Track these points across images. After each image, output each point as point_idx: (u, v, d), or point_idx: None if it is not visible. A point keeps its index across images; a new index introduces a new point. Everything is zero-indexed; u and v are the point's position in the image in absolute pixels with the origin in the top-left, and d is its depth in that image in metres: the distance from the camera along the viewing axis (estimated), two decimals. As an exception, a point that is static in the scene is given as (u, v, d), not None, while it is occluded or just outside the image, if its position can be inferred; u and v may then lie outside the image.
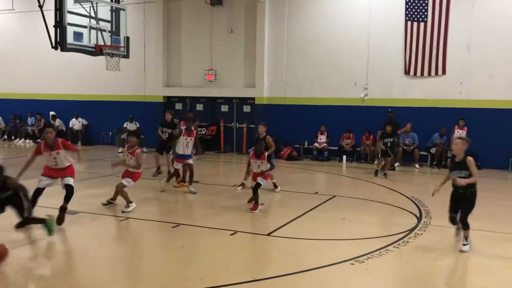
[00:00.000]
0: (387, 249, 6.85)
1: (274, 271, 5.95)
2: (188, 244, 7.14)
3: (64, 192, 7.78)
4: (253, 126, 18.13)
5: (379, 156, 13.65)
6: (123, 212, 8.71)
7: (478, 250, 6.85)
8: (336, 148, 16.88)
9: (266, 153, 9.36)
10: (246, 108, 18.80)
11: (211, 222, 8.27)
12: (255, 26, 18.06)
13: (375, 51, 16.60)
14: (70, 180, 7.82)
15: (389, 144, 13.34)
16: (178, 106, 19.81)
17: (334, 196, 10.65)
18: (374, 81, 16.72)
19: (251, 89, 18.34)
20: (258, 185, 9.10)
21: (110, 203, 9.22)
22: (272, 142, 11.05)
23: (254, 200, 9.14)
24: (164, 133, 12.60)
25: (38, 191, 7.66)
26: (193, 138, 10.76)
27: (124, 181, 8.87)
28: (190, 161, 10.72)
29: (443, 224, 7.51)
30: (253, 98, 18.39)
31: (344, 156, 16.56)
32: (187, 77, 19.57)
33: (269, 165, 9.27)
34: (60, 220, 7.57)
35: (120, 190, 8.86)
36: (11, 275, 5.66)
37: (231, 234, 7.53)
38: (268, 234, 7.61)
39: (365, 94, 16.83)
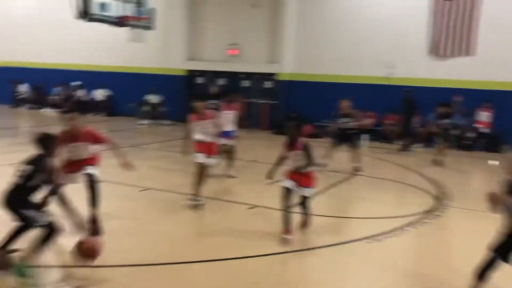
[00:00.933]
0: (405, 229, 6.85)
1: (290, 247, 5.99)
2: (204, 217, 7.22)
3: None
4: (276, 102, 18.08)
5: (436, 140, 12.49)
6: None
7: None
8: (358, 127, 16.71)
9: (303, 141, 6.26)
10: (268, 84, 18.70)
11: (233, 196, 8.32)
12: (280, 0, 17.84)
13: (401, 28, 16.25)
14: (91, 170, 6.16)
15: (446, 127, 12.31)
16: (200, 80, 19.82)
17: (354, 175, 10.62)
18: (399, 59, 16.42)
19: (274, 64, 18.21)
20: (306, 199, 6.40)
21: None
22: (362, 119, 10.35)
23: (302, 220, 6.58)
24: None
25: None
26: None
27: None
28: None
29: (464, 206, 7.45)
30: (276, 74, 18.28)
31: (365, 135, 16.41)
32: (210, 51, 19.50)
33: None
34: (95, 232, 5.93)
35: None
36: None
37: (249, 208, 7.60)
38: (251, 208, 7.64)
39: (389, 73, 16.56)
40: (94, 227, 5.91)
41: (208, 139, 7.44)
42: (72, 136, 6.02)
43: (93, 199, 6.05)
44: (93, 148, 6.23)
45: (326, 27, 17.44)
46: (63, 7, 14.62)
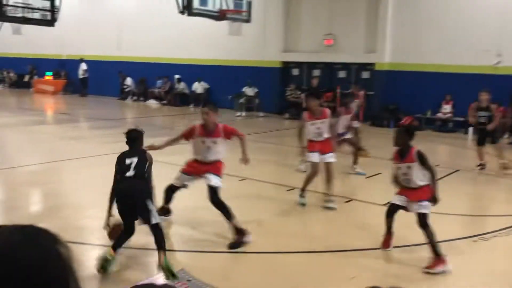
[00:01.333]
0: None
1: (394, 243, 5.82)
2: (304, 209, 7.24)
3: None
4: (372, 93, 17.60)
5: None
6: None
7: None
8: (462, 119, 15.83)
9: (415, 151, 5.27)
10: (365, 74, 18.24)
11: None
12: (379, -12, 17.31)
13: (509, 15, 15.06)
14: (214, 180, 5.67)
15: None
16: (295, 71, 19.82)
17: (458, 170, 10.07)
18: (508, 47, 15.25)
19: (371, 54, 17.72)
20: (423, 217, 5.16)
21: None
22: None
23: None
24: None
25: (173, 189, 6.12)
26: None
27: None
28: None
29: None
30: (373, 64, 17.78)
31: (471, 128, 15.48)
32: (305, 42, 19.40)
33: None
34: (237, 245, 5.53)
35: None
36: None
37: (346, 202, 7.50)
38: (384, 205, 7.44)
39: (498, 62, 15.45)
40: (238, 239, 5.56)
41: (321, 138, 7.11)
42: (207, 131, 5.77)
43: (226, 214, 5.61)
44: (224, 148, 5.86)
45: (425, 15, 16.63)
46: (165, 2, 15.21)
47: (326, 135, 7.13)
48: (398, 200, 5.33)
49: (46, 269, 1.02)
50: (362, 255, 5.52)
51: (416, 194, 5.18)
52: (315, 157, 7.06)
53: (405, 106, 16.47)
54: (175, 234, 5.98)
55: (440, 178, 9.22)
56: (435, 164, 10.12)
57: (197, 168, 5.84)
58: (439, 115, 16.21)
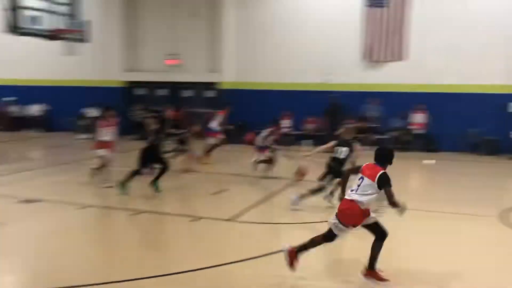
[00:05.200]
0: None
1: (235, 256, 5.98)
2: (149, 231, 7.12)
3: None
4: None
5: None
6: None
7: None
8: (301, 132, 17.02)
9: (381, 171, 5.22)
10: (210, 93, 18.67)
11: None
12: (219, 9, 17.93)
13: (336, 36, 16.70)
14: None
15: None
16: (140, 91, 19.55)
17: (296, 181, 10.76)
18: (336, 66, 16.86)
19: (215, 74, 18.24)
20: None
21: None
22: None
23: None
24: None
25: None
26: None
27: None
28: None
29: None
30: (217, 83, 18.31)
31: (307, 141, 16.69)
32: (149, 61, 19.28)
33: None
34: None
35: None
36: None
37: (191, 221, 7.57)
38: (228, 220, 7.67)
39: (327, 79, 16.98)
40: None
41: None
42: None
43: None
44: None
45: (264, 37, 17.73)
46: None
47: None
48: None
49: None
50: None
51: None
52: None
53: (250, 122, 17.17)
54: None
55: (282, 189, 9.81)
56: (276, 176, 10.65)
57: None
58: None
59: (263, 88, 17.71)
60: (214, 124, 13.05)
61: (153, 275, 5.29)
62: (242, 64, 18.01)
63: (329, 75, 16.91)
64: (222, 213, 7.96)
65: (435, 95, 15.79)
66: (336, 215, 5.24)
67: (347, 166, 7.83)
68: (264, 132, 11.19)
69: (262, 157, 11.08)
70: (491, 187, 10.98)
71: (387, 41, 16.32)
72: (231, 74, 18.18)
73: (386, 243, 5.21)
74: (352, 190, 5.26)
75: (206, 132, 13.01)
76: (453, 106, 15.47)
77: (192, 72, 18.45)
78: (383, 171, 5.16)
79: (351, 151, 8.14)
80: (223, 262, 5.74)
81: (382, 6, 16.21)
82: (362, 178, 5.22)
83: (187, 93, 19.00)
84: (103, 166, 9.76)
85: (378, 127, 16.09)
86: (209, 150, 12.89)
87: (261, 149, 11.06)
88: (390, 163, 5.33)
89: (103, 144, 9.59)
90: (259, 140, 11.13)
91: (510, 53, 15.14)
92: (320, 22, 16.93)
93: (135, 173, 8.88)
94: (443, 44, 15.64)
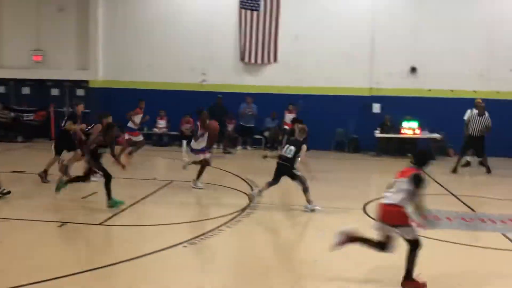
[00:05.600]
0: (220, 229, 7.09)
1: (110, 259, 5.74)
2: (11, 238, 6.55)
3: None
4: (88, 110, 17.15)
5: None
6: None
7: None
8: (177, 133, 16.85)
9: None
10: (80, 92, 17.70)
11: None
12: (88, 4, 17.09)
13: (213, 37, 16.81)
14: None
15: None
16: (1, 89, 17.97)
17: (172, 181, 10.66)
18: (211, 67, 16.97)
19: (84, 71, 17.35)
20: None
21: None
22: None
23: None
24: None
25: None
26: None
27: None
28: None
29: (272, 202, 8.00)
30: (87, 81, 17.44)
31: (184, 141, 16.54)
32: (11, 57, 17.76)
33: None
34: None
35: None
36: None
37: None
38: (101, 224, 7.33)
39: (203, 80, 17.04)
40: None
41: None
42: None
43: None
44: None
45: (134, 35, 17.24)
46: None
47: None
48: None
49: None
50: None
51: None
52: None
53: (123, 123, 16.59)
54: None
55: (156, 191, 9.65)
56: (152, 177, 10.53)
57: None
58: (155, 130, 16.90)
59: (138, 87, 17.15)
60: (133, 124, 13.02)
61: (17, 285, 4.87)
62: (116, 62, 17.33)
63: (204, 76, 17.00)
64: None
65: (308, 97, 16.48)
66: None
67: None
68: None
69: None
70: (357, 180, 11.79)
71: (263, 44, 16.77)
72: (103, 72, 17.42)
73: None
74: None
75: (125, 131, 12.84)
76: (323, 107, 16.33)
77: (60, 69, 17.34)
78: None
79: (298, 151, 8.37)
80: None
81: (255, 9, 16.66)
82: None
83: (54, 92, 17.83)
84: None
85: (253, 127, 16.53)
86: (123, 150, 12.42)
87: None
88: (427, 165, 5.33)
89: None
90: None
91: (374, 57, 16.38)
92: (195, 22, 16.88)
93: None
94: (314, 48, 16.42)
